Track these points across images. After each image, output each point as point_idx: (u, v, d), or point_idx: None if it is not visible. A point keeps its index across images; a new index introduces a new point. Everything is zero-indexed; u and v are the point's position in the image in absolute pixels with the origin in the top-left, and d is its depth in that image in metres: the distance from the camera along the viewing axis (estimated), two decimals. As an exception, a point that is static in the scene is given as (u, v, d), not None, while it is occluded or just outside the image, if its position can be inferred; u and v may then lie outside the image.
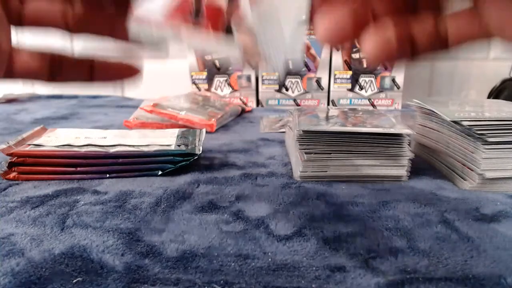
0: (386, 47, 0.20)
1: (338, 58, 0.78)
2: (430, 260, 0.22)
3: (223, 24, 0.23)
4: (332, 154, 0.35)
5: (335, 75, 0.78)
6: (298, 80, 0.79)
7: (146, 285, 0.20)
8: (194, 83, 0.80)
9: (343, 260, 0.22)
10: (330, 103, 0.80)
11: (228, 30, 0.22)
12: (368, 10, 0.20)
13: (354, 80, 0.78)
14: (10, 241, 0.24)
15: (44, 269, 0.21)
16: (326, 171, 0.36)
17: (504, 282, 0.20)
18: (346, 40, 0.20)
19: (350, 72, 0.77)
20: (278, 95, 0.80)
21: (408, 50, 0.20)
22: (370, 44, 0.20)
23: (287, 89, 0.79)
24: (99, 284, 0.20)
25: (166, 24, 0.23)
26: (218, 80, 0.80)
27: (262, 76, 0.80)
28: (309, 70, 0.78)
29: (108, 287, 0.20)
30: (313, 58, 0.78)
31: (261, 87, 0.80)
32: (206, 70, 0.80)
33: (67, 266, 0.21)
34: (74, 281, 0.20)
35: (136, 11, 0.23)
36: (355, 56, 0.77)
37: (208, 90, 0.81)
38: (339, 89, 0.79)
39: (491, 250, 0.23)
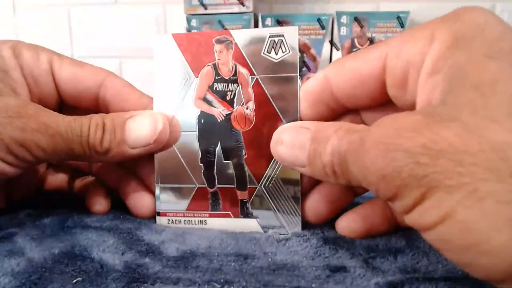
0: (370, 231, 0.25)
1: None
2: (430, 260, 0.22)
3: (239, 209, 0.26)
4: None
5: (335, 75, 0.78)
6: (299, 80, 0.79)
7: (146, 285, 0.20)
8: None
9: (343, 260, 0.22)
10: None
11: (245, 213, 0.26)
12: (349, 192, 0.26)
13: (354, 80, 0.77)
14: (10, 241, 0.24)
15: (44, 269, 0.21)
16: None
17: (504, 282, 0.20)
18: (330, 217, 0.26)
19: (350, 72, 0.77)
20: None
21: (393, 225, 0.25)
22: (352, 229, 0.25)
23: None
24: (99, 284, 0.20)
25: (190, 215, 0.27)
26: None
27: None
28: (309, 70, 0.78)
29: (108, 287, 0.20)
30: (313, 58, 0.78)
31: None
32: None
33: (67, 265, 0.21)
34: (74, 281, 0.20)
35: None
36: (355, 56, 0.77)
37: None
38: (339, 89, 0.79)
39: (491, 250, 0.23)
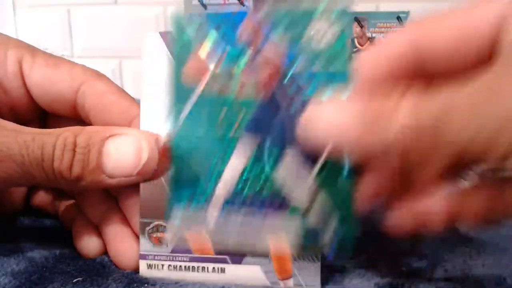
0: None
1: (338, 58, 0.78)
2: (429, 260, 0.22)
3: None
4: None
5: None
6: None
7: (147, 285, 0.20)
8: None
9: (343, 260, 0.22)
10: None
11: None
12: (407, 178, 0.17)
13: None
14: (10, 241, 0.24)
15: (44, 269, 0.21)
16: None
17: (504, 282, 0.20)
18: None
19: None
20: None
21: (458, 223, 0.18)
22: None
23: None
24: (100, 284, 0.20)
25: None
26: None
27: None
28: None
29: (109, 287, 0.20)
30: (313, 58, 0.78)
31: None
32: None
33: (68, 265, 0.21)
34: (75, 280, 0.20)
35: None
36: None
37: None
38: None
39: (491, 250, 0.23)
